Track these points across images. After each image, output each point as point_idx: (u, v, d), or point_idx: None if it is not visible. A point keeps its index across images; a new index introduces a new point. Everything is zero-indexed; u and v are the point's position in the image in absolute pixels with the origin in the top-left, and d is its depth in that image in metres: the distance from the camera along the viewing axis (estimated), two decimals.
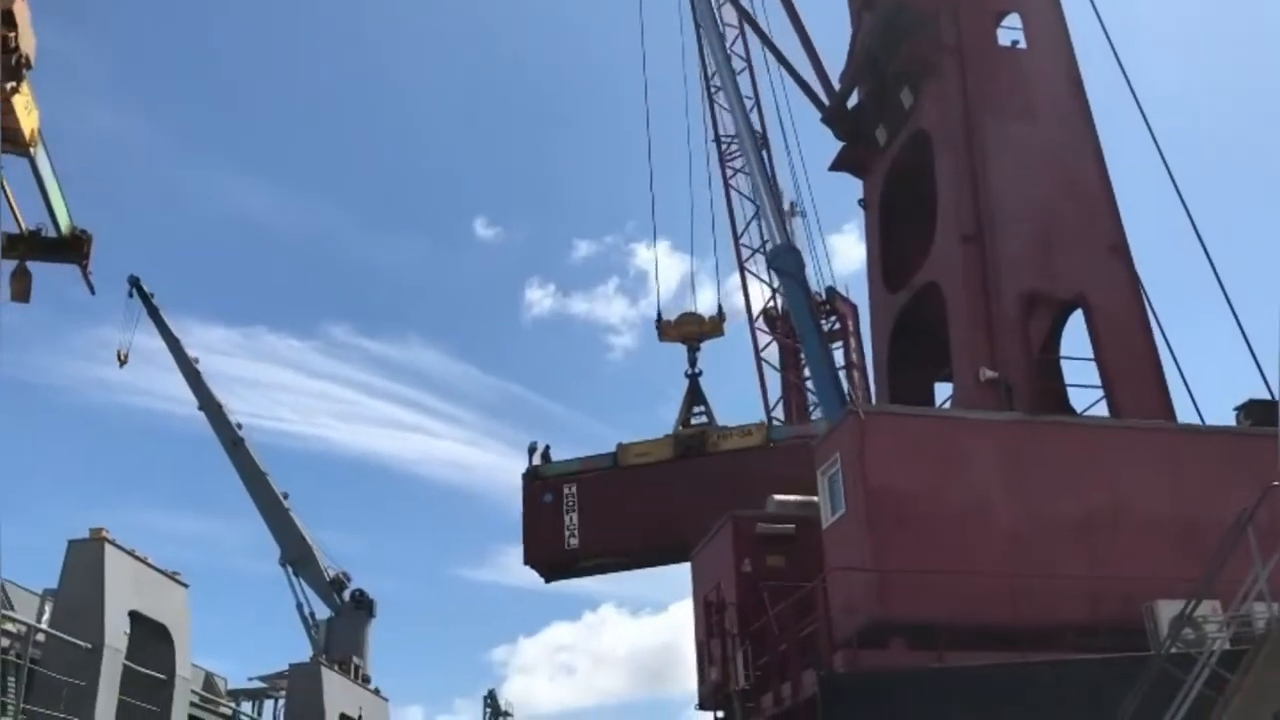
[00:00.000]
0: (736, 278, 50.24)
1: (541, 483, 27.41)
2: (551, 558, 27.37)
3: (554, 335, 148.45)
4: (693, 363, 29.58)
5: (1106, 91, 28.92)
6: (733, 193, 35.98)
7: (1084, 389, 26.28)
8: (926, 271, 27.33)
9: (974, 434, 22.28)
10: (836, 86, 31.61)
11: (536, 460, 28.27)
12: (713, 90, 35.94)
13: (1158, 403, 24.88)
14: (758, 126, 35.28)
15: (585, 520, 26.75)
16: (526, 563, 28.95)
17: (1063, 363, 27.38)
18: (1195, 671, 14.68)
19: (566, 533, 26.86)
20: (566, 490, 26.97)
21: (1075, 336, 27.00)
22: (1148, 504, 21.74)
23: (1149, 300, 26.13)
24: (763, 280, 35.58)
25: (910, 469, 21.39)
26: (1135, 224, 27.03)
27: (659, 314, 30.38)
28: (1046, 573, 20.03)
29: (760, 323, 36.07)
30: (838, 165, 32.20)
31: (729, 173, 35.58)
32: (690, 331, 29.63)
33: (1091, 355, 25.92)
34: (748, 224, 36.14)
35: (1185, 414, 24.96)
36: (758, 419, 33.14)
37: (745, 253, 36.06)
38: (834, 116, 31.49)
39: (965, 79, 27.25)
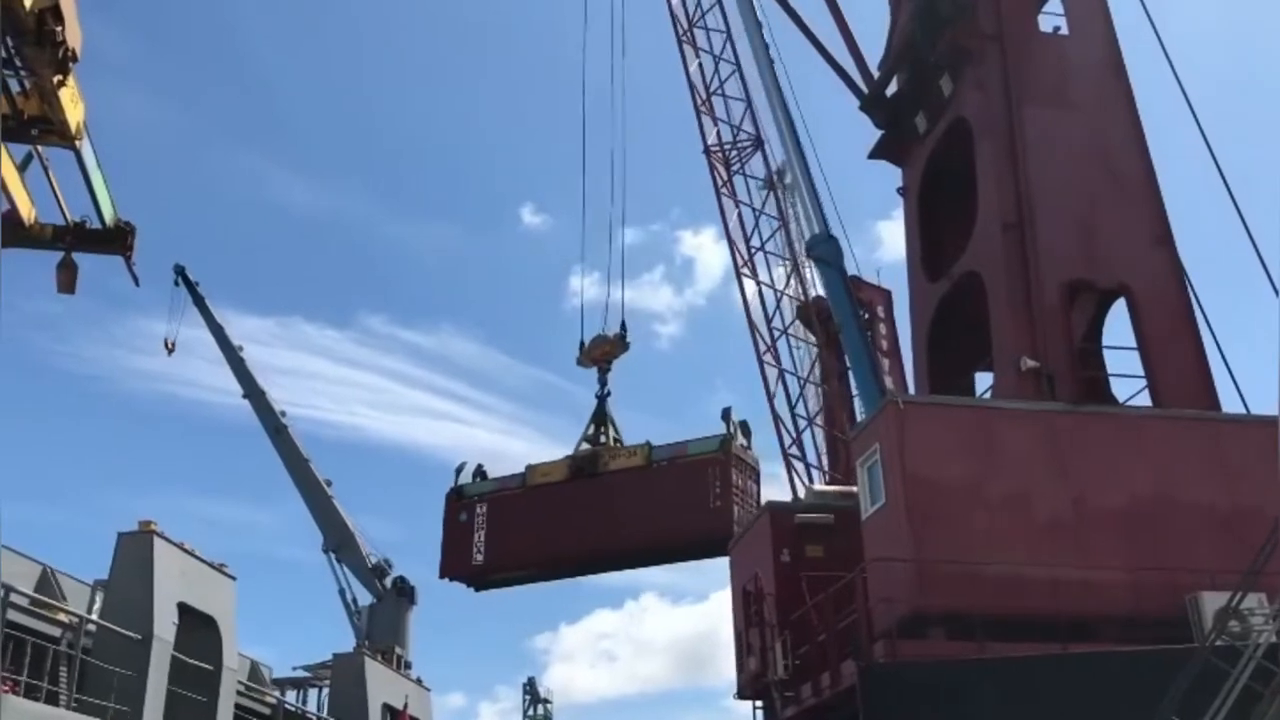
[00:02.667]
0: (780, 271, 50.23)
1: (462, 502, 28.81)
2: (462, 572, 28.91)
3: (598, 324, 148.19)
4: (602, 384, 30.27)
5: (1148, 70, 28.54)
6: (725, 200, 36.05)
7: (1126, 378, 26.06)
8: (967, 260, 27.14)
9: (1015, 424, 22.17)
10: (875, 74, 31.42)
11: (467, 478, 29.61)
12: (699, 100, 35.94)
13: (1202, 392, 24.59)
14: (751, 129, 35.77)
15: (491, 537, 28.54)
16: (441, 576, 31.13)
17: (1105, 352, 27.12)
18: (1241, 664, 14.58)
19: (474, 549, 28.39)
20: (479, 509, 28.56)
21: (1117, 325, 26.76)
22: (1192, 495, 21.56)
23: (1193, 288, 25.83)
24: (765, 283, 35.67)
25: (950, 459, 21.32)
26: (1178, 208, 26.71)
27: (581, 341, 31.19)
28: (1088, 564, 19.94)
29: (773, 324, 36.03)
30: (877, 153, 32.02)
31: (719, 181, 35.69)
32: (600, 354, 30.34)
33: (1134, 344, 25.67)
34: (754, 228, 36.12)
35: (1230, 403, 24.68)
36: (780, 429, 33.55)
37: (740, 260, 36.18)
38: (872, 104, 31.31)
39: (1006, 66, 26.97)
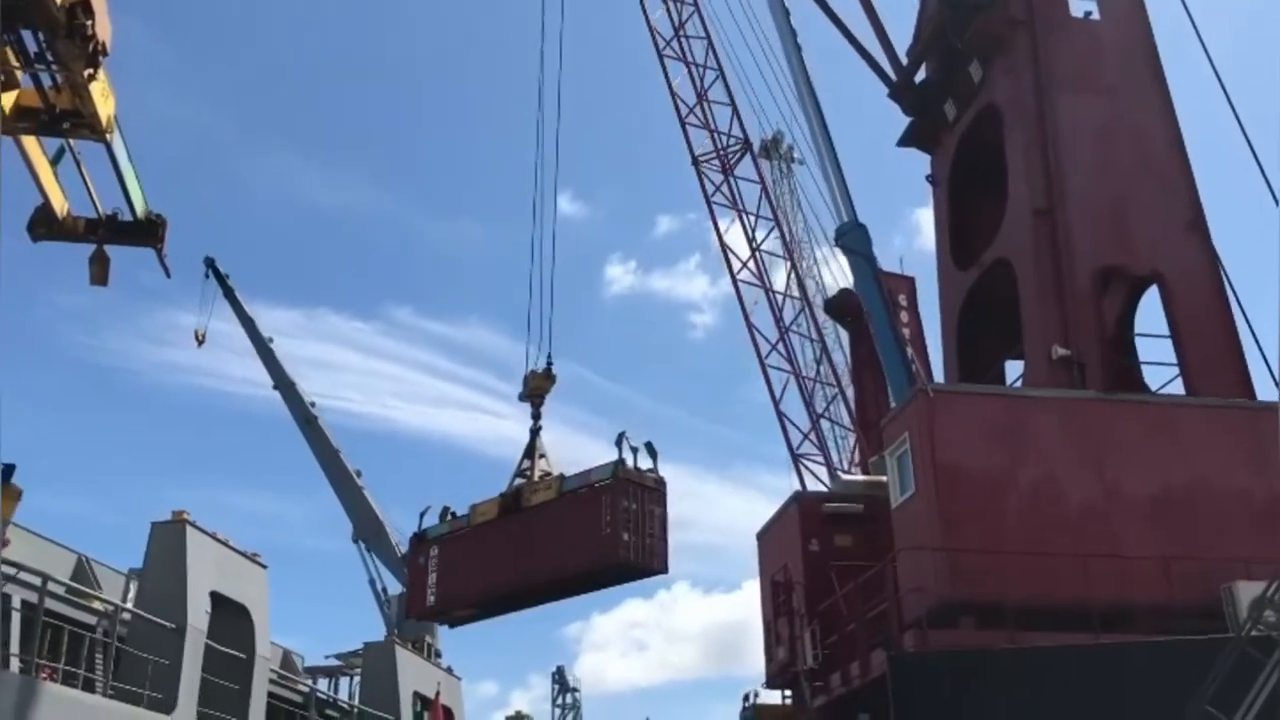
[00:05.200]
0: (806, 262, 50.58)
1: (422, 545, 30.11)
2: (423, 613, 30.08)
3: (634, 313, 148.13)
4: (535, 417, 31.08)
5: (1180, 52, 28.20)
6: (717, 208, 36.54)
7: (1159, 366, 25.83)
8: (997, 248, 26.96)
9: (1045, 413, 22.04)
10: (903, 61, 31.19)
11: (435, 520, 30.87)
12: (683, 111, 36.39)
13: (1236, 380, 24.34)
14: (739, 133, 36.38)
15: (441, 579, 29.64)
16: (406, 617, 33.26)
17: (1137, 340, 26.89)
18: (1277, 655, 14.46)
19: (428, 591, 29.65)
20: (433, 552, 29.82)
21: (1150, 313, 26.50)
22: (1225, 483, 21.38)
23: (1227, 275, 25.53)
24: (776, 291, 36.18)
25: (980, 448, 21.24)
26: (1211, 193, 26.42)
27: (525, 375, 32.41)
28: (1120, 553, 19.79)
29: (783, 322, 36.34)
30: (906, 141, 31.82)
31: (709, 189, 36.21)
32: (532, 389, 31.31)
33: (1167, 332, 25.42)
34: (752, 230, 36.57)
35: (1265, 392, 24.39)
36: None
37: (735, 265, 36.68)
38: (901, 92, 31.10)
39: (1036, 52, 26.73)
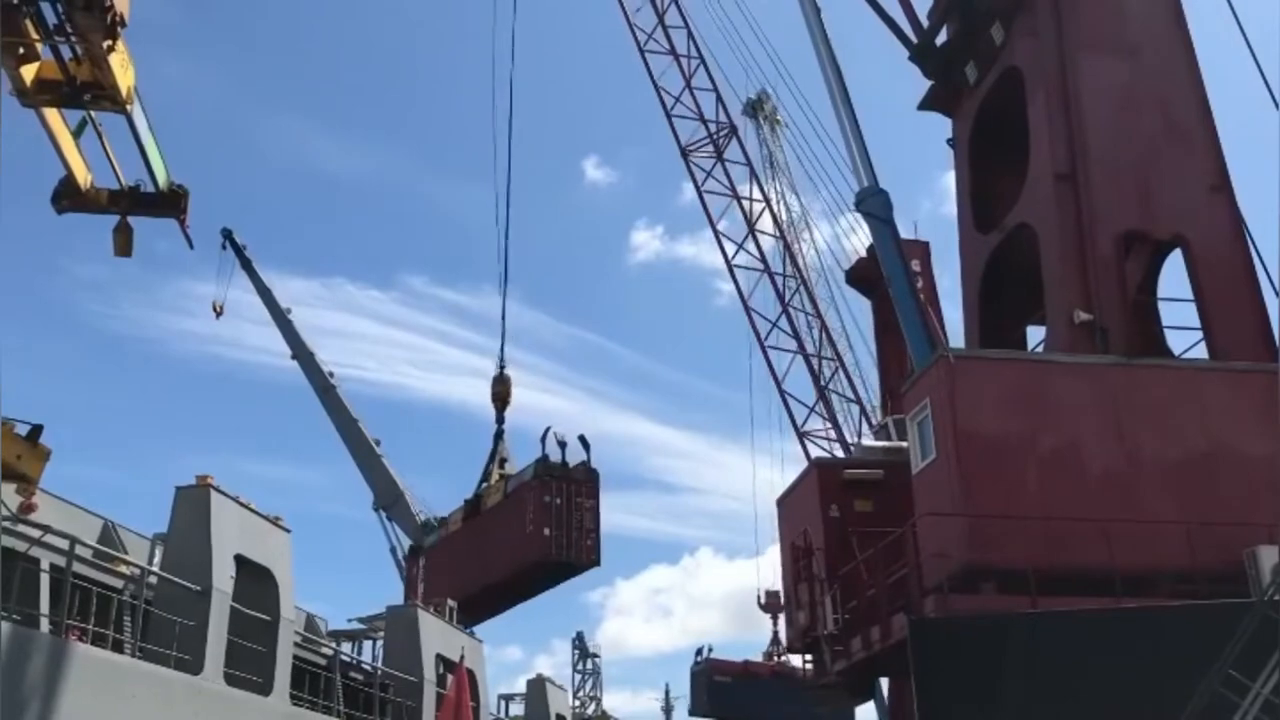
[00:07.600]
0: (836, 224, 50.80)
1: (417, 555, 30.77)
2: None
3: (660, 280, 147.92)
4: (499, 420, 31.42)
5: (1205, 8, 27.80)
6: (708, 196, 37.08)
7: (1182, 331, 25.68)
8: (1019, 212, 26.76)
9: (1068, 377, 21.98)
10: (924, 23, 30.88)
11: (431, 529, 31.52)
12: (669, 103, 36.74)
13: (1260, 344, 24.16)
14: (723, 118, 37.07)
15: (428, 586, 30.33)
16: None
17: (1160, 304, 26.71)
18: None
19: (420, 597, 30.49)
20: (423, 561, 30.57)
21: (1174, 277, 26.32)
22: (1248, 448, 21.29)
23: (1252, 239, 25.31)
24: (775, 271, 36.52)
25: (1002, 413, 21.20)
26: (1237, 156, 26.09)
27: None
28: (1142, 517, 19.77)
29: (788, 301, 36.53)
30: (926, 104, 31.51)
31: (699, 179, 36.51)
32: (496, 392, 31.63)
33: (1190, 296, 25.25)
34: (748, 212, 37.05)
35: None
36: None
37: (731, 248, 37.09)
38: (922, 54, 30.78)
39: (1059, 13, 26.41)
